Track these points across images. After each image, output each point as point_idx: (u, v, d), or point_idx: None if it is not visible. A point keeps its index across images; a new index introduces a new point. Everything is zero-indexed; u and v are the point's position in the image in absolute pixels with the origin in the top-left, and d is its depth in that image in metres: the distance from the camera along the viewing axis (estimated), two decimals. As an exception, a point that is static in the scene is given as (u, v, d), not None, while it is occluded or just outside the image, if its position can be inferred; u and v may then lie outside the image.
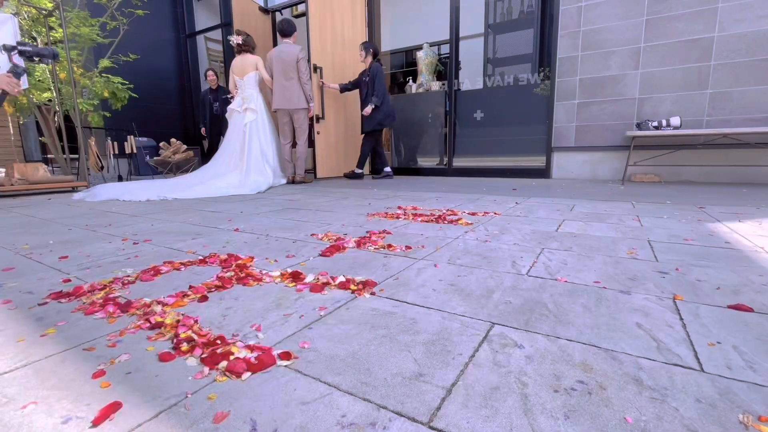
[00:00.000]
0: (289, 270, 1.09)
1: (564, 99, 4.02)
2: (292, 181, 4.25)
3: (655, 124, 3.36)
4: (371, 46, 4.35)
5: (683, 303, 0.84)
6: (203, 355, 0.64)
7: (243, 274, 1.05)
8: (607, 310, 0.81)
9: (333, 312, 0.82)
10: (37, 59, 2.75)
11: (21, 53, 2.59)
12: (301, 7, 7.41)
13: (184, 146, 4.77)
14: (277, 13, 6.24)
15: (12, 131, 9.04)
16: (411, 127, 5.09)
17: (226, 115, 4.15)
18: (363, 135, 4.40)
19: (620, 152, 3.78)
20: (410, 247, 1.34)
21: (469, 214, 2.02)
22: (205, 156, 6.19)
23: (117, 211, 2.41)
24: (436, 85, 4.99)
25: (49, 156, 6.37)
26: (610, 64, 3.75)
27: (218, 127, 5.85)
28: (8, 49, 2.54)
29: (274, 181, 3.97)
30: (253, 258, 1.23)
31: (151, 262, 1.22)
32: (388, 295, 0.91)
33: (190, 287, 0.96)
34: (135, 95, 4.91)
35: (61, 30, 4.04)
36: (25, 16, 4.15)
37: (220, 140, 5.79)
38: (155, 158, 4.68)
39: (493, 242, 1.40)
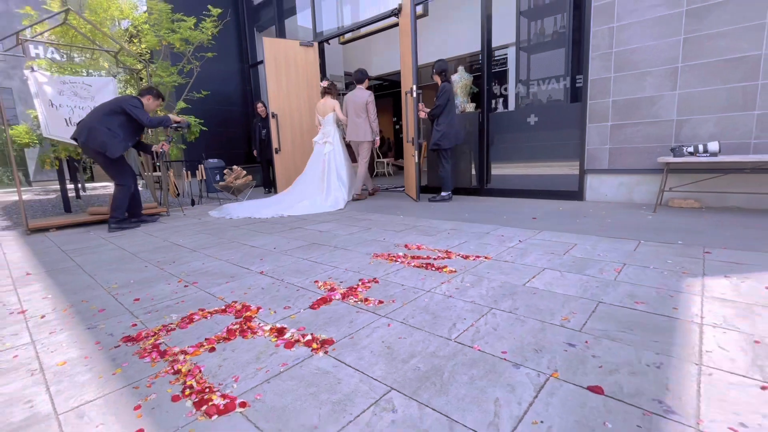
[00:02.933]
0: (278, 324, 1.46)
1: (596, 121, 3.96)
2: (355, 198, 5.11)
3: (690, 149, 3.22)
4: (437, 66, 4.48)
5: (554, 380, 1.05)
6: (195, 399, 1.03)
7: (246, 327, 1.45)
8: (487, 383, 1.05)
9: (291, 368, 1.17)
10: (180, 130, 4.03)
11: (168, 126, 3.91)
12: (347, 35, 7.92)
13: (244, 172, 5.48)
14: (325, 44, 6.80)
15: (118, 153, 10.77)
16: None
17: (314, 146, 5.13)
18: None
19: (658, 175, 3.65)
20: (382, 302, 1.64)
21: (462, 257, 2.25)
22: (264, 173, 6.98)
23: (183, 244, 3.02)
24: (470, 107, 5.13)
25: (144, 173, 7.62)
26: (645, 86, 3.63)
27: (266, 151, 6.58)
28: (175, 126, 3.95)
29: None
30: (259, 308, 1.63)
31: (190, 309, 1.67)
32: (336, 355, 1.23)
33: (206, 339, 1.37)
34: (205, 128, 5.76)
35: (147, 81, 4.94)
36: (121, 75, 5.13)
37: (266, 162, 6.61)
38: (220, 183, 5.45)
39: (456, 298, 1.65)
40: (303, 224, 3.64)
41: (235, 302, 1.71)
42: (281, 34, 7.54)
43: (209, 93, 6.52)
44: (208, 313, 1.61)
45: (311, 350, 1.27)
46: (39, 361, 1.30)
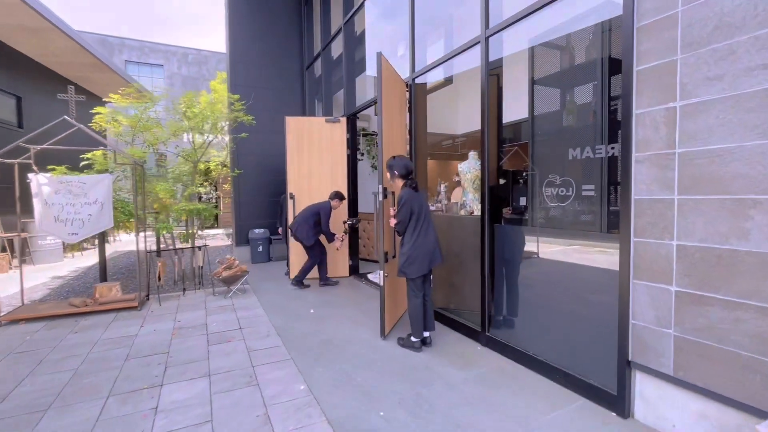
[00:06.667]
0: None
1: (647, 278, 2.07)
2: None
3: None
4: (394, 164, 3.26)
5: None
6: None
7: None
8: None
9: None
10: (351, 225, 5.73)
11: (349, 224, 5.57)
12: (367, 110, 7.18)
13: (237, 262, 5.09)
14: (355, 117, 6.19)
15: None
16: (446, 258, 3.79)
17: None
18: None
19: (783, 441, 1.57)
20: None
21: None
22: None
23: (32, 389, 2.56)
24: (479, 208, 3.60)
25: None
26: (749, 229, 1.69)
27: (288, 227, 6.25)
28: (350, 223, 5.67)
29: None
30: None
31: None
32: None
33: None
34: (218, 211, 5.73)
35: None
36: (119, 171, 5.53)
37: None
38: (214, 272, 5.17)
39: None
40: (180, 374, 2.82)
41: None
42: (328, 106, 7.29)
43: (242, 171, 6.59)
44: None
45: None
46: None
